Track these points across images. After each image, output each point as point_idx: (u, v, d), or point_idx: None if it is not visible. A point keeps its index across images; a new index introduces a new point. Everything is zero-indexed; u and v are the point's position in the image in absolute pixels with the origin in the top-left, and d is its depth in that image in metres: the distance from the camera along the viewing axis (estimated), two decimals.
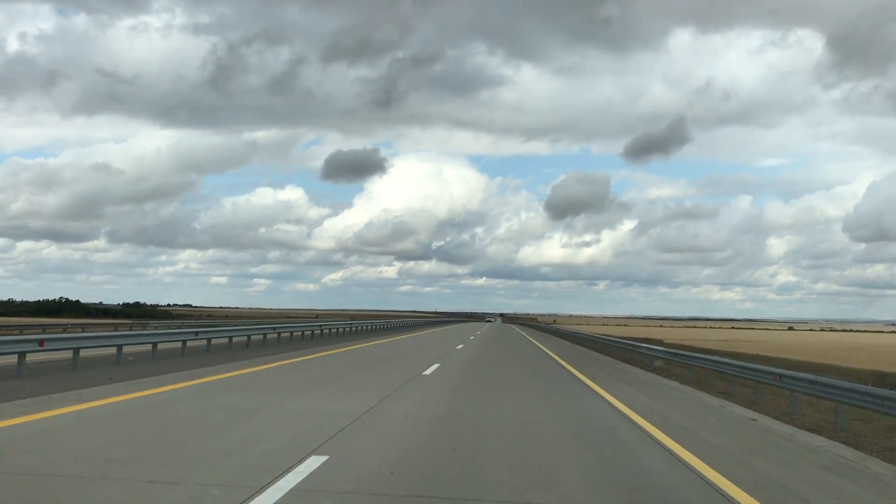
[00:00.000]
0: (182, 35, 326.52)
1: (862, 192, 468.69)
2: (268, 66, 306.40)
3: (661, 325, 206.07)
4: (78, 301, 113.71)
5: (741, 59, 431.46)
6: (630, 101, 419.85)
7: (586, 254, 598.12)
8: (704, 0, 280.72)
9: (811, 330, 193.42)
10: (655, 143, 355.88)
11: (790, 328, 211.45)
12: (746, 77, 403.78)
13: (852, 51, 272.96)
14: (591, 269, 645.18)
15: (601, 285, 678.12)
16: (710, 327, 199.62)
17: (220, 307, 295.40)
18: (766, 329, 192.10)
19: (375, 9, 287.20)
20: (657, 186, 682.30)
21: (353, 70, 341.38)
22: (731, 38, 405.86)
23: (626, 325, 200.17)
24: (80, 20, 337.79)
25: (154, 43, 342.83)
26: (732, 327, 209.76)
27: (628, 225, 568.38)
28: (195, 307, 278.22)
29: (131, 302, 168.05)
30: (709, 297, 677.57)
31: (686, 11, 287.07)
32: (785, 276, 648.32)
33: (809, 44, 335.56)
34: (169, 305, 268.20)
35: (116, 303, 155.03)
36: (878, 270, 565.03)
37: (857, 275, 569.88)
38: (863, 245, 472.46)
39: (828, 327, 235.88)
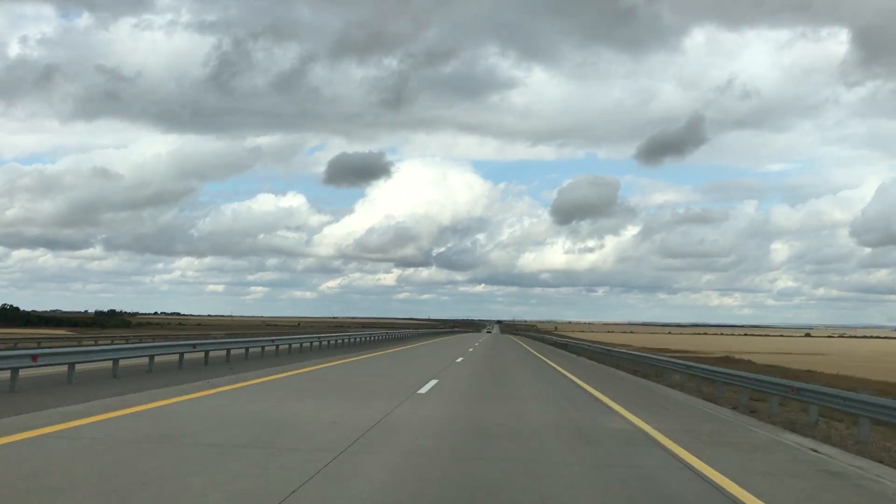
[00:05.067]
0: (186, 33, 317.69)
1: (870, 195, 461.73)
2: (275, 63, 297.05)
3: (670, 333, 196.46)
4: (17, 308, 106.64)
5: (763, 56, 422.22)
6: (641, 103, 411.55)
7: (589, 259, 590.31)
8: None
9: (830, 337, 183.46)
10: (670, 144, 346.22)
11: (807, 335, 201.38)
12: (767, 75, 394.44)
13: (882, 47, 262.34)
14: (591, 275, 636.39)
15: (600, 291, 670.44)
16: (723, 334, 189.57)
17: (211, 315, 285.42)
18: (782, 336, 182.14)
19: (389, 2, 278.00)
20: (662, 192, 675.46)
21: (362, 68, 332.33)
22: (753, 35, 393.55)
23: (631, 332, 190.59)
24: (83, 20, 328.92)
25: (158, 41, 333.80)
26: (745, 334, 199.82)
27: (632, 230, 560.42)
28: (183, 315, 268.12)
29: (118, 311, 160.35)
30: (707, 302, 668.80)
31: (708, 6, 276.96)
32: (785, 282, 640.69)
33: (836, 40, 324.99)
34: (156, 314, 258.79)
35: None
36: (880, 276, 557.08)
37: (860, 280, 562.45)
38: (868, 249, 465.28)
39: (846, 334, 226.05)
